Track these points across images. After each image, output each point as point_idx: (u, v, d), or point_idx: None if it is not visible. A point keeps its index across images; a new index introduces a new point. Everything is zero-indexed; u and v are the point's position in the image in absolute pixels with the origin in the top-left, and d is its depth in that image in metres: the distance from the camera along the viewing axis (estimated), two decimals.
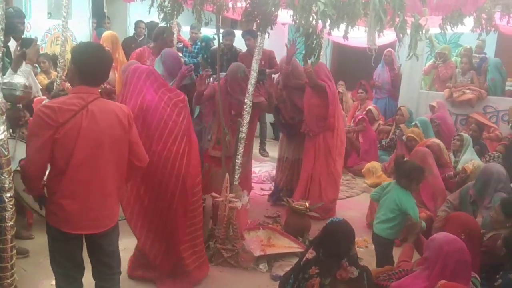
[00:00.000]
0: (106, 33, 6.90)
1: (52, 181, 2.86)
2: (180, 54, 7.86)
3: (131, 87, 3.86)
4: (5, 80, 4.18)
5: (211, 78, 6.33)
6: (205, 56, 8.61)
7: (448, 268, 3.00)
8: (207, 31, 9.06)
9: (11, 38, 5.09)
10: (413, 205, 4.19)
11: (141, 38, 8.78)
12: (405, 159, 4.68)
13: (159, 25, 6.44)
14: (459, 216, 4.04)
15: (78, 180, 2.82)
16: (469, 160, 6.12)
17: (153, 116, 3.81)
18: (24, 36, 5.55)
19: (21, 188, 3.18)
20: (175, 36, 6.85)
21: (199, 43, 8.93)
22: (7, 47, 4.86)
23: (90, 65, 2.87)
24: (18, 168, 3.02)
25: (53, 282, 3.84)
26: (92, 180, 2.86)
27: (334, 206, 6.07)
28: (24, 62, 4.49)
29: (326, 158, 5.88)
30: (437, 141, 6.35)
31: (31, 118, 4.84)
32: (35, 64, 6.25)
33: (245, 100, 4.65)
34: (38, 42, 5.12)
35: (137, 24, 8.94)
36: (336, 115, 5.90)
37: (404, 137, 6.68)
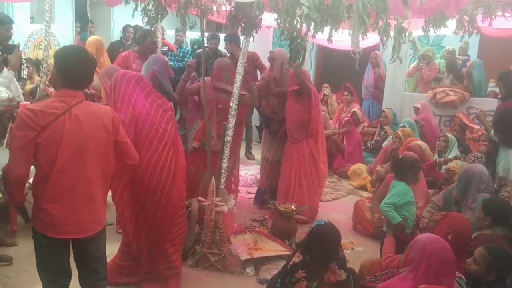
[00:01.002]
0: (91, 39, 6.87)
1: (37, 186, 2.84)
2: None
3: (120, 94, 3.80)
4: None
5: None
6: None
7: (432, 268, 3.01)
8: (192, 35, 9.06)
9: None
10: (400, 193, 4.34)
11: (129, 42, 8.75)
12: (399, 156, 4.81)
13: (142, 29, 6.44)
14: (454, 217, 4.04)
15: (62, 184, 2.80)
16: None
17: (144, 123, 3.77)
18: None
19: None
20: (159, 39, 6.84)
21: (184, 47, 8.92)
22: None
23: (72, 69, 2.85)
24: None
25: None
26: (77, 184, 2.84)
27: (317, 209, 6.13)
28: (6, 68, 4.45)
29: (310, 164, 5.89)
30: (419, 142, 6.42)
31: None
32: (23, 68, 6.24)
33: (231, 104, 4.63)
34: (21, 47, 5.07)
35: (125, 28, 8.91)
36: (319, 121, 5.93)
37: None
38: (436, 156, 6.58)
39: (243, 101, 5.11)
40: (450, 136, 6.66)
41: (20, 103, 5.04)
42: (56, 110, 2.76)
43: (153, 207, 3.84)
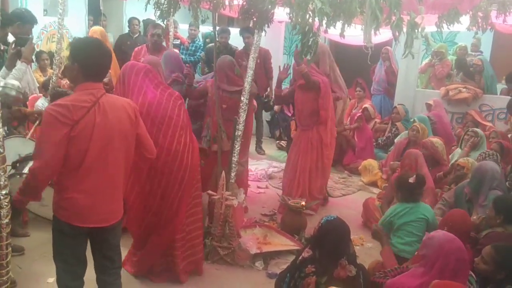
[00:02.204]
0: (94, 28, 6.93)
1: (64, 177, 2.82)
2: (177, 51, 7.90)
3: (130, 84, 3.84)
4: (1, 83, 4.17)
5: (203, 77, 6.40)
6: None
7: (449, 267, 3.00)
8: (204, 29, 9.07)
9: (9, 35, 5.08)
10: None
11: (136, 35, 8.78)
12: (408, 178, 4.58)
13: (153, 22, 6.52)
14: (452, 211, 4.08)
15: (90, 175, 2.82)
16: None
17: (156, 111, 3.81)
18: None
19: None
20: (171, 33, 6.86)
21: (197, 41, 8.94)
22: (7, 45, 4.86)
23: (95, 61, 2.85)
24: (13, 171, 2.99)
25: (49, 280, 3.88)
26: (103, 175, 2.87)
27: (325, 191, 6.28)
28: (19, 61, 4.48)
29: (318, 151, 5.91)
30: (433, 139, 6.34)
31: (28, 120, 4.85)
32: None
33: (242, 98, 4.64)
34: (34, 40, 5.11)
35: (131, 21, 8.94)
36: (328, 107, 5.91)
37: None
38: (456, 152, 6.46)
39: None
40: (479, 130, 6.51)
41: (31, 96, 5.10)
42: (86, 104, 2.76)
43: (174, 193, 3.89)
